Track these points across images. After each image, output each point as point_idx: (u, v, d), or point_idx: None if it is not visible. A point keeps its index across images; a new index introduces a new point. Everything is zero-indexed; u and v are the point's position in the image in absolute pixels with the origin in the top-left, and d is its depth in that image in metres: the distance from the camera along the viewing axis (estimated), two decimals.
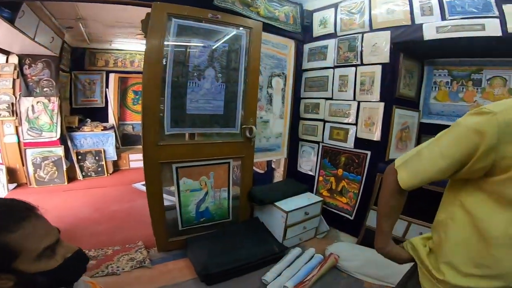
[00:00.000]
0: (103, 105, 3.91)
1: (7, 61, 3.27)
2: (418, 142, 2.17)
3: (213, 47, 2.08)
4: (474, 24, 1.63)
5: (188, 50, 2.04)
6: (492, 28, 1.56)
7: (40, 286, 0.53)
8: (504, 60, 1.84)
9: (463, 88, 2.03)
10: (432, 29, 1.79)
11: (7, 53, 3.22)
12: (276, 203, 2.18)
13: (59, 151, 3.34)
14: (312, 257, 2.09)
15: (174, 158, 1.99)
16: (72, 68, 3.82)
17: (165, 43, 1.85)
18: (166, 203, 2.10)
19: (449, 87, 2.09)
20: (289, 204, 2.18)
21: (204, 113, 2.10)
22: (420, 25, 1.83)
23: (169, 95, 1.97)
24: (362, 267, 1.94)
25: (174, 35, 1.91)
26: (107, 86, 3.89)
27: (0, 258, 0.50)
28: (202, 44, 2.06)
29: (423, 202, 1.86)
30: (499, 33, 1.54)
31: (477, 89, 1.98)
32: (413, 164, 0.74)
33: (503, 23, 1.51)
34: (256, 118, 2.25)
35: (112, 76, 3.88)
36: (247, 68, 2.16)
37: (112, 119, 3.91)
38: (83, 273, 0.63)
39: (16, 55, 3.26)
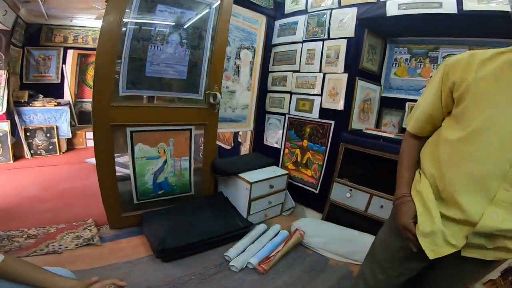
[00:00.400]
0: (59, 81, 3.55)
1: None
2: (380, 114, 2.21)
3: (180, 14, 1.95)
4: (433, 1, 1.67)
5: (152, 14, 1.88)
6: (449, 6, 1.60)
7: None
8: (458, 40, 1.93)
9: (420, 65, 2.10)
10: (394, 6, 1.83)
11: None
12: (240, 175, 2.07)
13: (5, 126, 2.95)
14: (278, 233, 2.01)
15: (128, 121, 1.80)
16: (26, 44, 3.44)
17: (128, 5, 1.67)
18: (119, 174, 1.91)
19: (408, 64, 2.15)
20: (253, 175, 2.09)
21: (165, 77, 1.95)
22: (384, 2, 1.85)
23: (127, 56, 1.79)
24: (327, 243, 1.90)
25: None
26: (64, 62, 3.55)
27: None
28: (168, 10, 1.91)
29: (385, 174, 1.88)
30: (455, 11, 1.58)
31: (433, 65, 2.06)
32: (413, 111, 0.92)
33: (460, 2, 1.55)
34: (222, 87, 2.14)
35: (70, 52, 3.55)
36: (215, 37, 2.05)
37: (68, 96, 3.56)
38: None
39: None
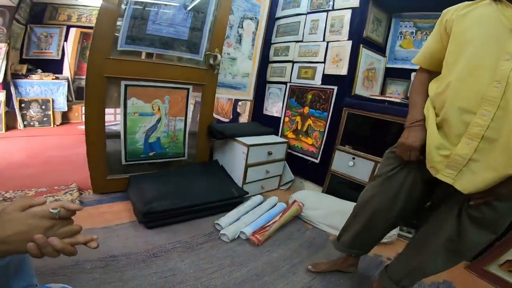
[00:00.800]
0: (59, 58, 3.47)
1: None
2: (384, 84, 2.11)
3: None
4: None
5: None
6: None
7: None
8: None
9: (426, 37, 2.03)
10: None
11: None
12: (238, 138, 1.94)
13: None
14: (275, 205, 1.85)
15: (124, 74, 1.69)
16: (29, 22, 3.40)
17: None
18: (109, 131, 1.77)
19: (413, 36, 2.08)
20: (251, 140, 1.95)
21: (166, 36, 1.87)
22: None
23: (129, 15, 1.72)
24: (327, 216, 1.74)
25: None
26: (66, 40, 3.49)
27: None
28: None
29: (391, 140, 1.76)
30: None
31: None
32: (420, 50, 1.01)
33: None
34: (223, 53, 2.06)
35: (73, 30, 3.49)
36: (218, 4, 1.99)
37: (67, 72, 3.47)
38: None
39: None
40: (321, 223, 1.76)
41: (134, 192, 1.67)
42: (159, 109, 1.82)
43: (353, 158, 1.82)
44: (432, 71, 0.96)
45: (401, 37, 2.13)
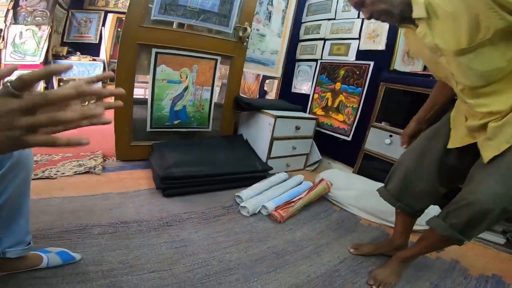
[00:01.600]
0: (96, 42, 3.55)
1: None
2: None
3: None
4: None
5: None
6: None
7: None
8: None
9: None
10: None
11: None
12: (264, 110, 1.79)
13: None
14: (301, 183, 1.67)
15: (155, 41, 1.64)
16: (71, 7, 3.51)
17: None
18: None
19: None
20: (279, 112, 1.80)
21: (197, 7, 1.79)
22: None
23: None
24: (359, 198, 1.52)
25: None
26: (103, 25, 3.57)
27: None
28: None
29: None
30: None
31: None
32: None
33: None
34: (252, 28, 1.94)
35: (110, 15, 3.57)
36: None
37: (103, 55, 3.54)
38: None
39: None
40: (351, 205, 1.55)
41: (155, 158, 1.59)
42: (186, 77, 1.73)
43: (391, 136, 1.61)
44: None
45: None
